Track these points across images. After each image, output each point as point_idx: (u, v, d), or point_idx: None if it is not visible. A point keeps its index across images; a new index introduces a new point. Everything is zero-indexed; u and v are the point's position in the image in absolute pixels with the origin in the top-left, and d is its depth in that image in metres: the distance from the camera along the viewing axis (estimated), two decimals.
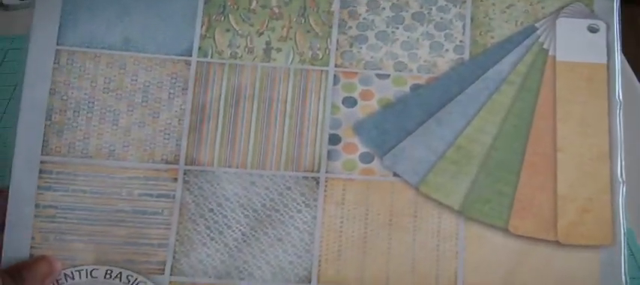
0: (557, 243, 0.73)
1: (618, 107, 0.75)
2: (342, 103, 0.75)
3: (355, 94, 0.76)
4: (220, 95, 0.76)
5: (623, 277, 0.72)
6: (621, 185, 0.74)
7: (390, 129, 0.75)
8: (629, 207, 0.84)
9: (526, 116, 0.75)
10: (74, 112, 0.75)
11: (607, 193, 0.74)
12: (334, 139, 0.75)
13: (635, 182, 0.87)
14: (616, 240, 0.73)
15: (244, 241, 0.73)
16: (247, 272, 0.72)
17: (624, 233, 0.73)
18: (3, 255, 0.73)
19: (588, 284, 0.72)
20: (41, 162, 0.74)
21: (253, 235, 0.73)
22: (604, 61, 0.76)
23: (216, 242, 0.73)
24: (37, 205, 0.74)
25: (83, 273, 0.73)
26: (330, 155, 0.74)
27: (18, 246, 0.73)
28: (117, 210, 0.74)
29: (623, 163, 0.75)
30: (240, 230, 0.73)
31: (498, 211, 0.73)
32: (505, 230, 0.73)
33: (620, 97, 0.75)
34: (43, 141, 0.75)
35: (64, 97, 0.75)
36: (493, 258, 0.72)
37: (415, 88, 0.76)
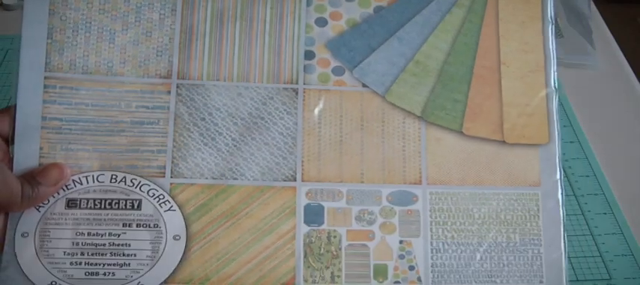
0: (504, 142, 0.85)
1: (550, 26, 0.88)
2: (315, 22, 0.86)
3: (326, 15, 0.86)
4: (206, 16, 0.84)
5: (558, 168, 0.85)
6: (554, 93, 0.86)
7: (357, 46, 0.85)
8: (629, 207, 0.97)
9: (474, 35, 0.87)
10: (73, 31, 0.82)
11: (543, 99, 0.86)
12: (309, 55, 0.85)
13: (635, 181, 1.00)
14: (552, 139, 0.85)
15: (235, 146, 0.82)
16: (239, 173, 0.82)
17: (558, 133, 0.85)
18: (14, 164, 0.79)
19: (531, 175, 0.85)
20: (45, 78, 0.81)
21: (242, 140, 0.82)
22: None
23: (210, 147, 0.82)
24: (43, 118, 0.80)
25: (90, 178, 0.80)
26: (307, 69, 0.85)
27: (28, 156, 0.79)
28: (117, 121, 0.81)
29: (556, 74, 0.87)
30: (230, 136, 0.82)
31: (453, 117, 0.85)
32: (460, 132, 0.85)
33: (552, 17, 0.88)
34: (46, 58, 0.81)
35: (63, 17, 0.82)
36: (450, 155, 0.84)
37: (378, 9, 0.87)
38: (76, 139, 0.80)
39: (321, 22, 0.86)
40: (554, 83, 0.86)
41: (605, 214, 0.95)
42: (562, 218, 0.83)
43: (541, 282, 0.82)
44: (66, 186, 0.79)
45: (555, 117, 0.85)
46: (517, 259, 0.82)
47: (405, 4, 0.87)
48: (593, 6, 1.23)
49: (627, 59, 1.14)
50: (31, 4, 0.82)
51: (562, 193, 0.83)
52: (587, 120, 1.06)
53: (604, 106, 1.10)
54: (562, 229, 0.83)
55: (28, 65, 0.80)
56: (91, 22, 0.83)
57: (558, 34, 1.15)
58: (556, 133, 0.85)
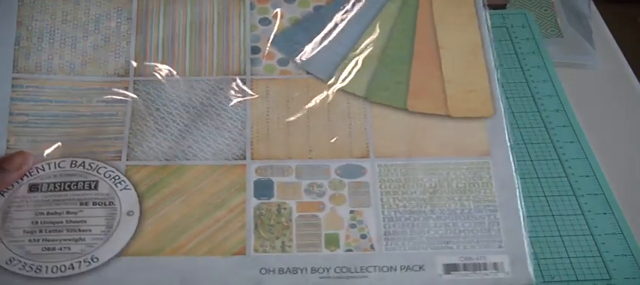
0: (450, 117, 0.88)
1: (484, 9, 0.93)
2: (259, 22, 0.93)
3: (269, 16, 0.93)
4: (159, 22, 0.92)
5: (507, 140, 0.87)
6: (495, 70, 0.90)
7: (300, 39, 0.91)
8: (629, 207, 0.96)
9: (410, 22, 0.92)
10: (38, 38, 0.90)
11: (485, 77, 0.90)
12: (255, 50, 0.92)
13: (635, 181, 1.00)
14: (497, 111, 0.88)
15: (187, 131, 0.87)
16: (192, 154, 0.86)
17: (504, 106, 0.88)
18: None
19: (480, 145, 0.87)
20: (13, 78, 0.88)
21: (195, 126, 0.87)
22: None
23: (164, 133, 0.87)
24: (10, 113, 0.87)
25: (52, 164, 0.85)
26: (253, 62, 0.91)
27: None
28: (79, 115, 0.87)
29: (495, 53, 0.90)
30: (183, 123, 0.87)
31: (397, 96, 0.88)
32: (404, 110, 0.88)
33: (484, 1, 0.93)
34: (14, 61, 0.89)
35: (29, 27, 0.90)
36: (397, 130, 0.87)
37: (317, 8, 0.94)
38: (41, 131, 0.86)
39: (265, 22, 0.93)
40: (494, 61, 0.90)
41: (605, 214, 0.95)
42: (517, 185, 0.84)
43: (500, 246, 0.82)
44: (29, 173, 0.84)
45: (498, 91, 0.88)
46: (473, 225, 0.83)
47: (341, 2, 0.94)
48: (593, 6, 1.23)
49: (627, 59, 1.14)
50: (0, 17, 0.90)
51: (514, 161, 0.85)
52: (587, 120, 1.05)
53: (604, 106, 1.09)
54: (518, 195, 0.84)
55: None
56: (54, 31, 0.90)
57: (558, 34, 1.16)
58: (501, 105, 0.88)
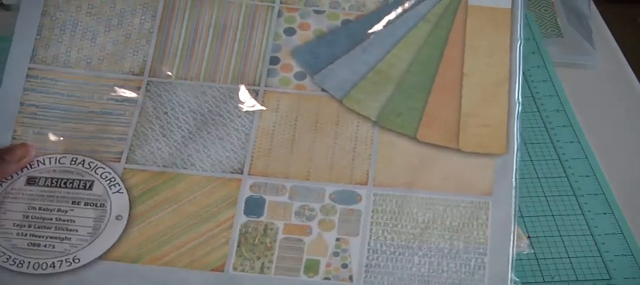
0: (459, 150, 0.83)
1: (518, 43, 0.87)
2: (284, 32, 0.90)
3: (295, 25, 0.89)
4: (183, 22, 0.90)
5: (513, 181, 0.82)
6: (517, 105, 0.84)
7: (322, 54, 0.88)
8: (629, 207, 0.95)
9: (438, 47, 0.87)
10: (60, 30, 0.90)
11: (504, 112, 0.84)
12: (274, 60, 0.89)
13: (635, 181, 0.98)
14: (509, 149, 0.83)
15: (190, 138, 0.85)
16: (190, 163, 0.84)
17: (517, 144, 0.83)
18: None
19: (483, 184, 0.82)
20: (29, 68, 0.88)
21: (198, 134, 0.85)
22: (509, 5, 0.88)
23: (167, 138, 0.85)
24: (21, 104, 0.87)
25: (53, 159, 0.85)
26: (270, 73, 0.88)
27: (1, 136, 0.86)
28: (88, 111, 0.87)
29: (520, 88, 0.85)
30: (188, 129, 0.86)
31: (409, 123, 0.84)
32: (414, 138, 0.84)
33: (521, 35, 0.87)
34: (33, 52, 0.89)
35: (53, 18, 0.90)
36: (401, 160, 0.83)
37: (345, 22, 0.90)
38: (48, 124, 0.86)
39: (290, 32, 0.89)
40: (518, 97, 0.84)
41: (605, 214, 0.94)
42: (513, 230, 0.79)
43: None
44: (30, 165, 0.84)
45: (515, 129, 0.83)
46: (458, 266, 0.79)
47: (372, 19, 0.89)
48: (593, 6, 1.21)
49: (627, 59, 1.13)
50: (27, 5, 0.90)
51: (515, 203, 0.80)
52: (587, 120, 1.04)
53: (604, 106, 1.08)
54: (512, 240, 0.79)
55: (16, 56, 0.88)
56: (77, 23, 0.90)
57: (558, 34, 1.14)
58: (515, 144, 0.83)
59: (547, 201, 0.95)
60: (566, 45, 1.15)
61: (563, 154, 1.00)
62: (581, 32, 1.15)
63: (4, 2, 1.22)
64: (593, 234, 0.92)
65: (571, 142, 1.02)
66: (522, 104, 0.86)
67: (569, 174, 0.98)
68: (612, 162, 1.00)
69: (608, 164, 0.99)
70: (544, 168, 0.99)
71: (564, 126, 1.04)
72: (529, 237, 0.91)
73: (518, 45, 0.87)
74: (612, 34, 1.18)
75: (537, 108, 1.06)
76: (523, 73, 0.90)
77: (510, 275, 0.78)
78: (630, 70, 1.14)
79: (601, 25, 1.20)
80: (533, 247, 0.87)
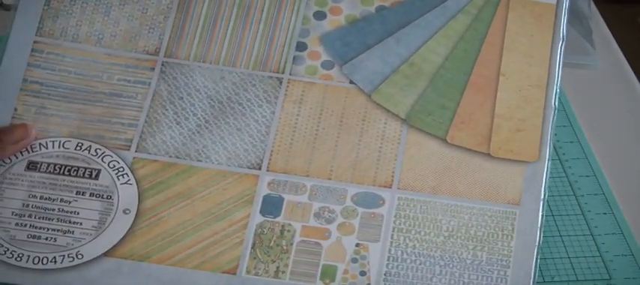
0: (489, 155, 0.78)
1: (560, 43, 0.82)
2: (313, 15, 0.83)
3: (326, 9, 0.83)
4: None
5: (542, 190, 0.77)
6: (553, 110, 0.79)
7: (353, 42, 0.82)
8: (629, 207, 0.92)
9: (476, 43, 0.82)
10: (71, 0, 0.83)
11: (539, 116, 0.79)
12: (301, 47, 0.82)
13: (635, 181, 0.96)
14: (542, 157, 0.78)
15: (206, 128, 0.79)
16: (205, 155, 0.79)
17: (549, 153, 0.79)
18: None
19: (511, 192, 0.77)
20: (34, 42, 0.82)
21: (215, 123, 0.79)
22: (554, 1, 0.82)
23: (181, 126, 0.80)
24: (24, 80, 0.81)
25: (56, 143, 0.79)
26: (296, 60, 0.81)
27: (1, 114, 0.80)
28: (96, 91, 0.81)
29: (558, 91, 0.81)
30: (204, 117, 0.80)
31: (439, 123, 0.79)
32: (443, 140, 0.79)
33: (564, 34, 0.82)
34: (39, 23, 0.82)
35: None
36: (428, 162, 0.78)
37: (380, 9, 0.83)
38: (51, 104, 0.81)
39: (320, 16, 0.83)
40: (555, 101, 0.79)
41: (605, 214, 0.93)
42: (538, 242, 0.75)
43: None
44: (31, 148, 0.79)
45: (549, 136, 0.79)
46: (480, 279, 0.74)
47: (408, 6, 0.83)
48: (593, 6, 1.19)
49: (627, 59, 1.12)
50: None
51: (543, 215, 0.76)
52: (587, 120, 1.02)
53: (604, 106, 1.06)
54: (536, 253, 0.75)
55: (20, 28, 0.82)
56: None
57: None
58: (547, 152, 0.78)
59: (547, 201, 0.89)
60: (566, 45, 1.12)
61: (563, 154, 0.98)
62: (581, 32, 1.12)
63: (4, 2, 1.17)
64: (593, 234, 0.91)
65: (571, 142, 1.00)
66: None
67: (569, 174, 0.97)
68: (612, 162, 0.98)
69: (608, 164, 0.98)
70: None
71: (564, 126, 1.02)
72: None
73: (560, 45, 0.82)
74: (612, 34, 1.17)
75: None
76: None
77: None
78: (630, 70, 1.12)
79: (601, 25, 1.19)
80: None
